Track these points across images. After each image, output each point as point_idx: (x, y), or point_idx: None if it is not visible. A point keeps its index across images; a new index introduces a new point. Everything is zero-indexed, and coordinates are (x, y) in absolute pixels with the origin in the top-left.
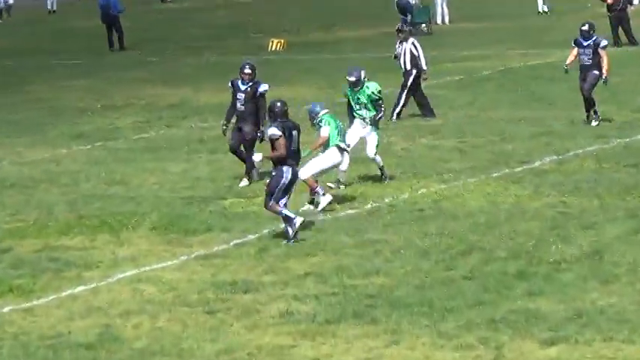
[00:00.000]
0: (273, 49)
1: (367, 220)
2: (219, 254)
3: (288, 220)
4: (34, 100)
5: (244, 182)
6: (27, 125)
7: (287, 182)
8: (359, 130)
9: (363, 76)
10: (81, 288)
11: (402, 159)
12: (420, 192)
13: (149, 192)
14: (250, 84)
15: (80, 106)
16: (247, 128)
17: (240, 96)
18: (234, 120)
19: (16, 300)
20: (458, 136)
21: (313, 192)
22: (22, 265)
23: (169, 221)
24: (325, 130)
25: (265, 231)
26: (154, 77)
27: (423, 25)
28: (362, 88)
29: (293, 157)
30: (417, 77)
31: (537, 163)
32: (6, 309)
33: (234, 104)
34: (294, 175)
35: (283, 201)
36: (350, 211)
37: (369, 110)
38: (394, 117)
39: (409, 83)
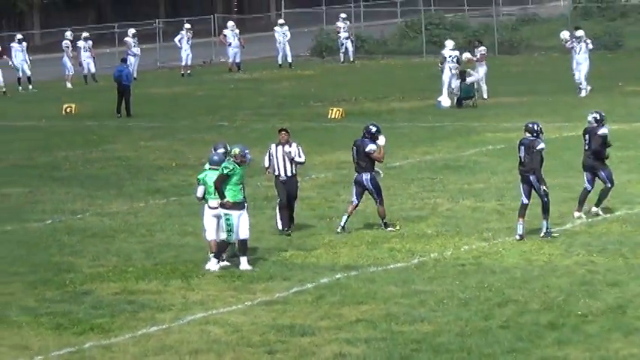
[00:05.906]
0: (333, 116)
1: (414, 273)
2: (280, 300)
3: None
4: (114, 158)
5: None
6: (108, 181)
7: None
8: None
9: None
10: (154, 328)
11: (447, 219)
12: (462, 249)
13: None
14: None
15: (157, 164)
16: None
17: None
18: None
19: (96, 337)
20: (497, 199)
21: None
22: (102, 306)
23: (235, 270)
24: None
25: (322, 280)
26: (225, 140)
27: (470, 99)
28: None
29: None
30: None
31: (569, 226)
32: (87, 345)
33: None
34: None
35: None
36: (399, 264)
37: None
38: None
39: None
